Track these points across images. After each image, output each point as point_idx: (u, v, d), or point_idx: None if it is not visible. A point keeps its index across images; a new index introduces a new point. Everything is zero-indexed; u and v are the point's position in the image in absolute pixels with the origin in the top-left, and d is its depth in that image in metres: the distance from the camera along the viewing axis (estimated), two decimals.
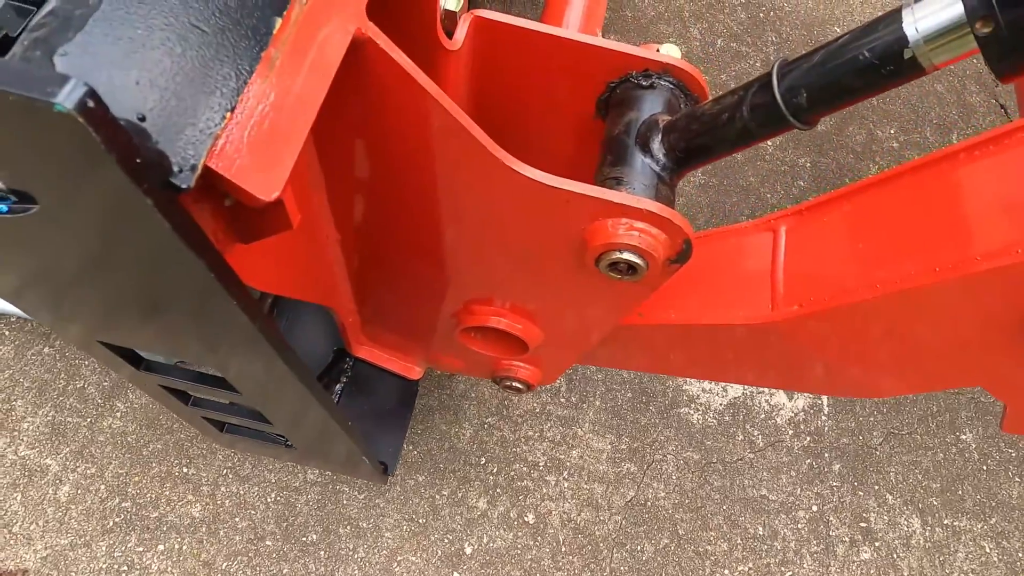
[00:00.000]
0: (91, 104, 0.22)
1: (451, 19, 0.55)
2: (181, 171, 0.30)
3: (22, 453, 1.06)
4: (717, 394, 1.25)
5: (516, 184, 0.46)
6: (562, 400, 1.21)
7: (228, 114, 0.31)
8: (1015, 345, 0.58)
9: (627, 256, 0.49)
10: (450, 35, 0.59)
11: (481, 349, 0.76)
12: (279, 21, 0.33)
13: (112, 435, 1.09)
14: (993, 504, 1.21)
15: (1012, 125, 0.54)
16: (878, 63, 0.40)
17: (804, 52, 0.47)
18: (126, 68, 0.27)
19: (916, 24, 0.38)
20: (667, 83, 0.56)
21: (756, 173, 1.48)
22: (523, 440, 1.17)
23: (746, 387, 1.26)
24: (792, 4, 1.71)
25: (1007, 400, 0.71)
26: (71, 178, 0.26)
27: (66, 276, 0.38)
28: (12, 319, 1.14)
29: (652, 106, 0.56)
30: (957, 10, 0.35)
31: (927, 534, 1.18)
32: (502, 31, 0.57)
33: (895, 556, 1.16)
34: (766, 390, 1.26)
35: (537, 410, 1.19)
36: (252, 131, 0.31)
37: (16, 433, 1.07)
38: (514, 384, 0.83)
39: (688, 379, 1.25)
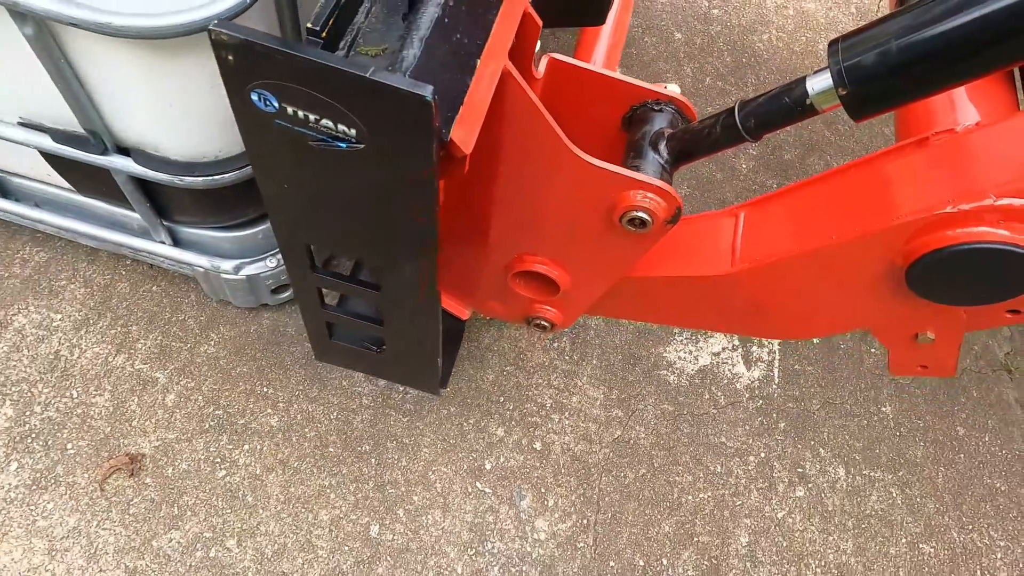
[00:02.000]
0: (434, 98, 0.50)
1: (536, 58, 0.84)
2: (446, 134, 0.58)
3: (137, 367, 1.32)
4: (689, 362, 1.54)
5: (579, 167, 0.75)
6: (566, 358, 1.50)
7: (460, 108, 0.59)
8: (885, 300, 0.88)
9: (640, 215, 0.78)
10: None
11: (523, 291, 1.05)
12: (478, 60, 0.61)
13: (207, 358, 1.35)
14: (902, 461, 1.52)
15: (893, 147, 0.84)
16: (793, 105, 0.70)
17: (755, 95, 0.77)
18: (430, 83, 0.55)
19: (811, 86, 0.68)
20: (670, 109, 0.86)
21: (732, 190, 1.79)
22: (534, 386, 1.45)
23: (713, 357, 1.56)
24: (769, 53, 2.04)
25: (888, 345, 1.01)
26: (399, 133, 0.54)
27: (338, 191, 0.65)
28: (127, 262, 1.40)
29: (660, 123, 0.85)
30: (829, 81, 0.65)
31: (849, 480, 1.48)
32: (565, 67, 0.86)
33: (823, 495, 1.45)
34: (730, 360, 1.56)
35: (546, 364, 1.48)
36: (461, 116, 0.60)
37: (133, 351, 1.33)
38: (542, 323, 1.11)
39: (667, 346, 1.54)
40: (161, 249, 1.22)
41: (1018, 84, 0.90)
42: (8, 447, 1.22)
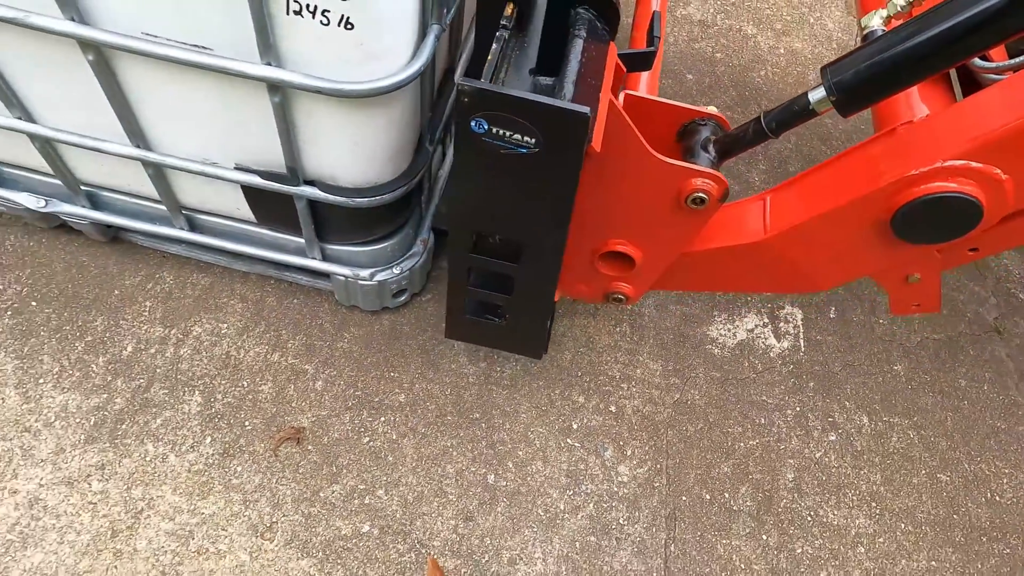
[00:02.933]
0: (591, 114, 0.84)
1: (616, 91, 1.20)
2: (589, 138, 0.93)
3: (290, 361, 1.64)
4: (729, 337, 1.85)
5: (658, 165, 1.09)
6: (627, 339, 1.81)
7: (595, 115, 0.93)
8: (879, 248, 1.20)
9: (701, 194, 1.11)
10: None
11: (606, 271, 1.37)
12: (600, 94, 0.96)
13: (343, 352, 1.68)
14: (915, 409, 1.81)
15: (872, 137, 1.18)
16: (800, 110, 1.05)
17: (773, 107, 1.11)
18: (585, 105, 0.89)
19: (812, 97, 1.03)
20: (712, 123, 1.21)
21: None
22: (604, 362, 1.76)
23: (748, 332, 1.87)
24: (767, 86, 2.43)
25: (887, 287, 1.32)
26: (564, 138, 0.88)
27: (512, 185, 0.99)
28: (287, 284, 1.74)
29: (705, 133, 1.20)
30: (823, 93, 1.00)
31: (872, 426, 1.77)
32: (636, 99, 1.22)
33: (851, 439, 1.74)
34: (763, 335, 1.87)
35: (611, 344, 1.80)
36: (594, 128, 0.94)
37: (285, 350, 1.66)
38: (619, 296, 1.43)
39: (709, 326, 1.86)
40: (314, 263, 1.57)
41: (956, 86, 1.25)
42: (202, 425, 1.53)
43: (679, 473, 1.63)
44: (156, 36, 1.08)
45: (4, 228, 1.72)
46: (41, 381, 1.54)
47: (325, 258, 1.58)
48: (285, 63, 1.08)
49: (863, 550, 1.60)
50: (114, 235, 1.71)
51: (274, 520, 1.45)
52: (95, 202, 1.57)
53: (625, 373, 1.76)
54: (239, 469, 1.50)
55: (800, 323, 1.92)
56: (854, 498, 1.67)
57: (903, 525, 1.64)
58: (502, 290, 1.27)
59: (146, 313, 1.66)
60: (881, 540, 1.62)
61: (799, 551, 1.58)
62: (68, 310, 1.64)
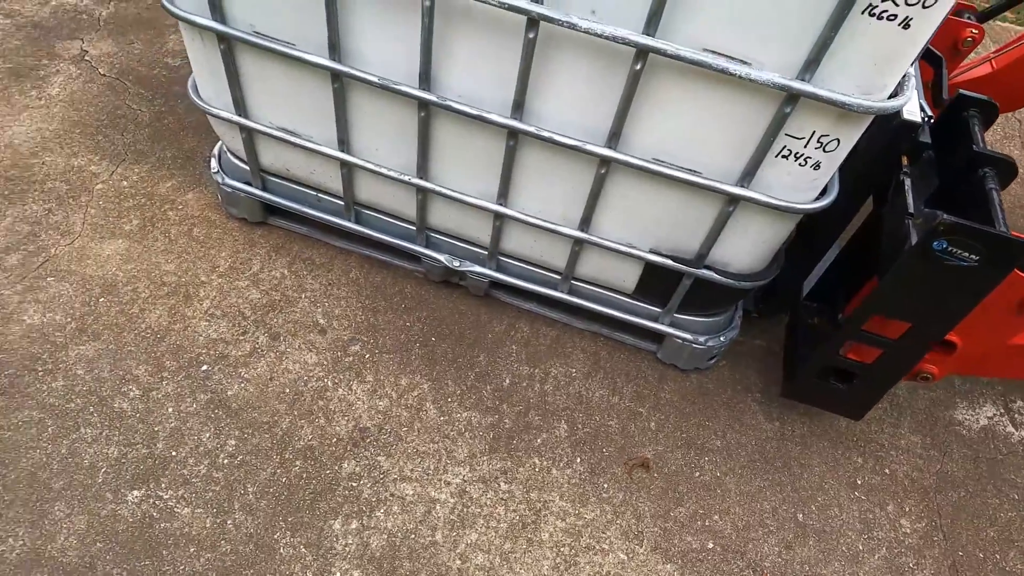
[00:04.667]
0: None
1: None
2: None
3: (627, 404, 2.04)
4: (973, 421, 2.18)
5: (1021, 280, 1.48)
6: (889, 414, 2.15)
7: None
8: None
9: None
10: None
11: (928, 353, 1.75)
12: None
13: (666, 401, 2.06)
14: None
15: None
16: None
17: None
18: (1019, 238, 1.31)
19: None
20: None
21: None
22: (872, 432, 2.10)
23: (988, 419, 2.18)
24: None
25: None
26: (1005, 258, 1.29)
27: (943, 286, 1.40)
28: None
29: None
30: None
31: None
32: None
33: None
34: (1001, 422, 2.18)
35: (876, 417, 2.14)
36: None
37: (622, 395, 2.06)
38: (927, 375, 1.79)
39: (954, 411, 2.18)
40: (664, 328, 1.99)
41: None
42: (572, 448, 1.92)
43: (952, 531, 1.93)
44: (662, 160, 1.55)
45: (403, 279, 2.20)
46: (449, 400, 1.97)
47: (672, 324, 2.00)
48: (754, 185, 1.53)
49: None
50: (486, 292, 2.17)
51: (640, 530, 1.81)
52: (499, 266, 2.04)
53: (892, 443, 2.10)
54: (605, 486, 1.87)
55: None
56: None
57: None
58: (857, 365, 1.66)
59: (514, 354, 2.09)
60: None
61: None
62: (459, 346, 2.08)
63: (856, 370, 1.69)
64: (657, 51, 1.32)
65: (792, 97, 1.34)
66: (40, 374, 1.84)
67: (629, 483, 1.89)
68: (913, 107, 1.55)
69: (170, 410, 1.84)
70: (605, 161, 1.58)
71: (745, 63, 1.32)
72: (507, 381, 2.03)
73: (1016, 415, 2.23)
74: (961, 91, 1.59)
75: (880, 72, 1.28)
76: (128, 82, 2.60)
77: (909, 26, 1.20)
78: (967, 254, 1.32)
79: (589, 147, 1.54)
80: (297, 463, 1.79)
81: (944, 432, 2.15)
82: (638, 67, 1.37)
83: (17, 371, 1.84)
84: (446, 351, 2.07)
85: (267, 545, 1.66)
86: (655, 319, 2.01)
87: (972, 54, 2.32)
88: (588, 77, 1.45)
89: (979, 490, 2.03)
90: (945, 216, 1.28)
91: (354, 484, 1.78)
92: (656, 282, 1.88)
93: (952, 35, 2.19)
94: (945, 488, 2.02)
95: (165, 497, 1.69)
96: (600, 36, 1.32)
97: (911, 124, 1.52)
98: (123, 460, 1.73)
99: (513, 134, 1.60)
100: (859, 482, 2.00)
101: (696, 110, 1.44)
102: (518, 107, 1.53)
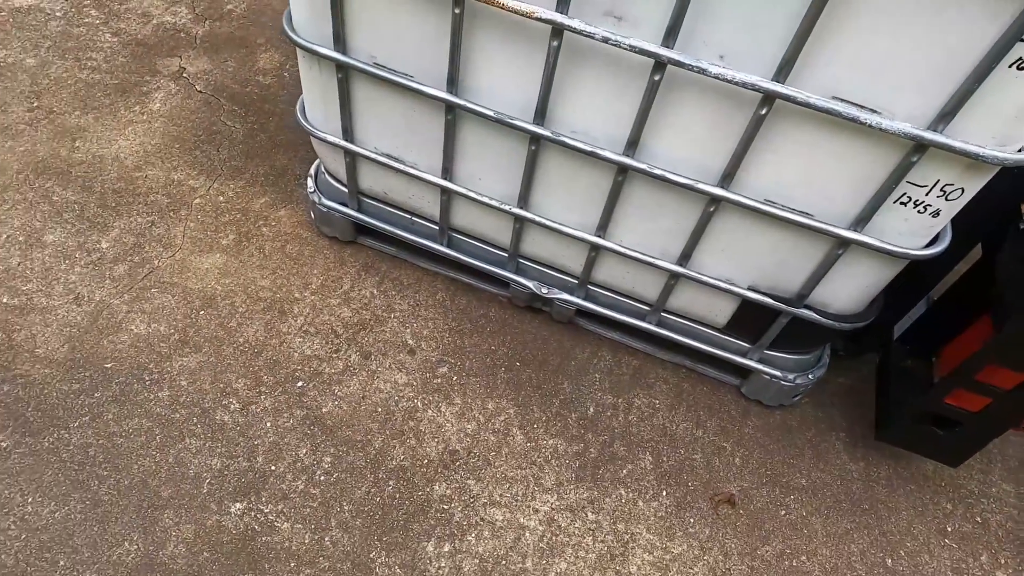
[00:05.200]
0: None
1: None
2: None
3: (711, 438, 2.03)
4: None
5: None
6: (978, 460, 2.11)
7: None
8: None
9: None
10: None
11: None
12: None
13: (749, 437, 2.05)
14: None
15: None
16: None
17: None
18: None
19: None
20: None
21: None
22: (961, 478, 2.06)
23: None
24: None
25: None
26: None
27: None
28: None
29: None
30: None
31: None
32: None
33: None
34: None
35: (966, 463, 2.09)
36: None
37: (706, 428, 2.05)
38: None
39: None
40: (753, 364, 1.98)
41: None
42: (657, 480, 1.93)
43: None
44: (774, 202, 1.55)
45: (487, 303, 2.24)
46: (535, 426, 1.99)
47: (760, 360, 2.00)
48: (867, 230, 1.53)
49: None
50: (570, 319, 2.19)
51: (727, 567, 1.80)
52: (587, 295, 2.06)
53: (982, 490, 2.05)
54: (692, 520, 1.87)
55: None
56: None
57: None
58: (962, 413, 1.64)
59: (597, 383, 2.11)
60: None
61: None
62: (542, 372, 2.10)
63: (961, 418, 1.66)
64: (787, 98, 1.32)
65: (921, 147, 1.34)
66: (148, 383, 1.91)
67: (715, 519, 1.88)
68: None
69: (268, 425, 1.89)
70: (715, 200, 1.59)
71: (875, 112, 1.32)
72: (591, 410, 2.05)
73: None
74: None
75: (1020, 124, 1.27)
76: (223, 99, 2.69)
77: None
78: None
79: (700, 186, 1.56)
80: (390, 483, 1.82)
81: None
82: (763, 112, 1.38)
83: (127, 380, 1.91)
84: (531, 376, 2.09)
85: (364, 564, 1.69)
86: (744, 354, 2.00)
87: None
88: (708, 119, 1.46)
89: None
90: None
91: (445, 507, 1.80)
92: (750, 318, 1.88)
93: None
94: None
95: (266, 511, 1.73)
96: (729, 82, 1.34)
97: None
98: (225, 472, 1.79)
99: (623, 170, 1.62)
100: (949, 529, 1.96)
101: (816, 155, 1.44)
102: (632, 144, 1.55)
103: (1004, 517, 2.00)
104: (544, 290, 2.08)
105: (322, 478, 1.80)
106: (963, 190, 1.41)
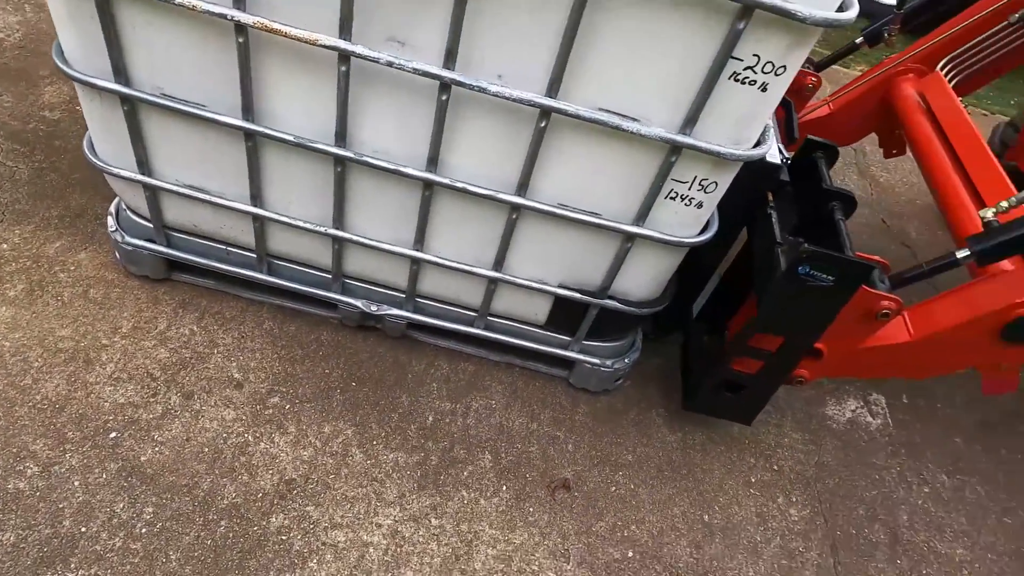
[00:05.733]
0: (875, 267, 1.51)
1: None
2: None
3: (546, 429, 2.15)
4: (839, 415, 2.49)
5: (870, 295, 1.75)
6: (772, 416, 2.42)
7: None
8: (987, 348, 1.88)
9: (887, 311, 1.78)
10: None
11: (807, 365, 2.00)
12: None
13: (580, 423, 2.20)
14: (976, 470, 2.46)
15: (982, 278, 1.90)
16: (949, 263, 1.76)
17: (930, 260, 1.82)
18: (863, 261, 1.57)
19: (958, 254, 1.74)
20: (878, 267, 1.92)
21: None
22: (760, 434, 2.35)
23: (851, 412, 2.51)
24: None
25: (984, 373, 2.00)
26: (854, 278, 1.54)
27: (806, 304, 1.62)
28: None
29: (876, 271, 1.90)
30: (967, 252, 1.72)
31: (951, 482, 2.41)
32: None
33: (939, 491, 2.37)
34: (863, 414, 2.51)
35: (763, 420, 2.39)
36: None
37: (540, 420, 2.17)
38: (800, 379, 2.05)
39: (824, 407, 2.49)
40: (576, 355, 2.13)
41: None
42: (497, 477, 2.01)
43: (831, 514, 2.20)
44: (567, 205, 1.70)
45: (318, 326, 2.21)
46: (375, 443, 2.00)
47: (581, 351, 2.15)
48: (647, 224, 1.72)
49: (967, 573, 2.18)
50: (403, 333, 2.23)
51: (566, 548, 1.92)
52: (416, 308, 2.11)
53: (777, 441, 2.36)
54: (531, 510, 1.97)
55: (885, 405, 2.59)
56: (951, 535, 2.27)
57: (990, 555, 2.24)
58: (744, 376, 1.88)
59: (435, 392, 2.16)
60: (977, 566, 2.21)
61: (924, 573, 2.15)
62: (380, 389, 2.12)
63: (744, 381, 1.91)
64: (559, 111, 1.47)
65: (676, 148, 1.54)
66: None
67: (553, 504, 2.01)
68: (774, 152, 1.81)
69: (76, 484, 1.74)
70: (515, 208, 1.72)
71: (636, 120, 1.50)
72: (430, 419, 2.10)
73: (872, 406, 2.58)
74: (809, 136, 1.88)
75: (746, 126, 1.50)
76: (0, 138, 2.44)
77: (766, 89, 1.43)
78: (825, 276, 1.56)
79: (500, 196, 1.67)
80: (222, 523, 1.75)
81: (819, 427, 2.45)
82: (543, 125, 1.52)
83: None
84: (368, 395, 2.10)
85: None
86: (566, 347, 2.16)
87: (814, 97, 2.70)
88: (497, 133, 1.58)
89: (849, 475, 2.33)
90: (807, 245, 1.52)
91: (284, 538, 1.76)
92: (565, 313, 2.03)
93: (797, 83, 2.54)
94: (823, 477, 2.30)
95: None
96: (508, 99, 1.46)
97: (772, 166, 1.78)
98: (22, 545, 1.62)
99: (428, 185, 1.70)
100: (753, 480, 2.23)
101: (594, 160, 1.61)
102: (432, 161, 1.63)
103: (794, 462, 2.31)
104: (373, 307, 2.10)
105: (143, 530, 1.70)
106: (717, 183, 1.64)
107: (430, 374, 2.21)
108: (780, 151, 1.83)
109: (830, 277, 1.56)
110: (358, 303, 2.10)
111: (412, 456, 2.00)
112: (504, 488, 2.01)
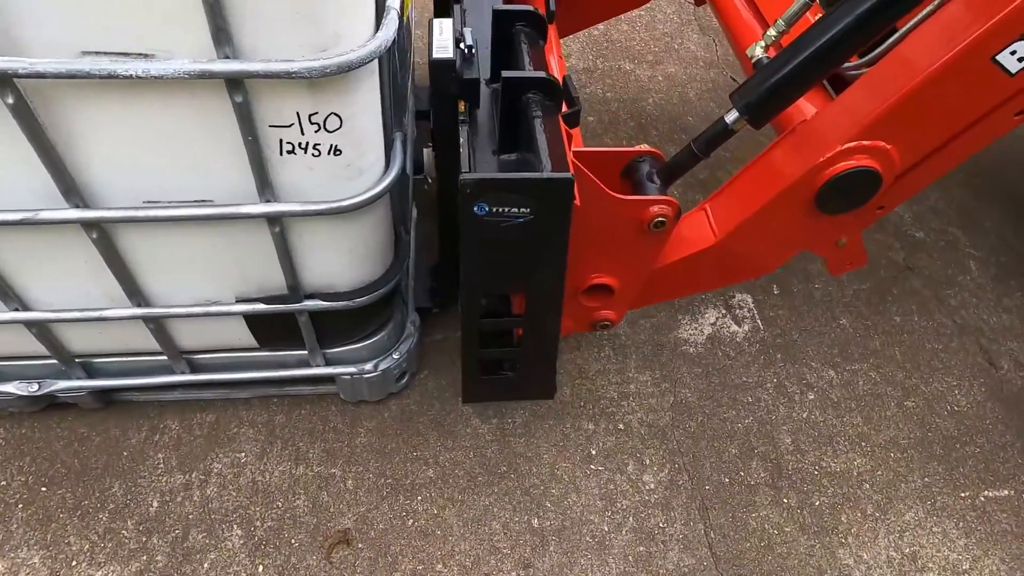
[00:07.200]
0: (573, 178, 1.01)
1: None
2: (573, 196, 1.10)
3: (316, 470, 1.68)
4: (697, 335, 2.05)
5: (620, 203, 1.27)
6: (613, 361, 1.97)
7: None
8: (809, 223, 1.42)
9: (661, 218, 1.30)
10: None
11: (589, 303, 1.53)
12: (568, 157, 1.13)
13: (363, 447, 1.74)
14: (868, 353, 2.05)
15: (779, 139, 1.41)
16: (722, 132, 1.27)
17: (698, 134, 1.33)
18: (565, 172, 1.07)
19: (728, 119, 1.25)
20: (649, 158, 1.42)
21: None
22: (600, 387, 1.91)
23: (711, 326, 2.07)
24: (658, 111, 2.72)
25: (823, 254, 1.55)
26: (554, 201, 1.03)
27: (514, 248, 1.12)
28: None
29: (647, 167, 1.40)
30: (736, 115, 1.22)
31: (839, 376, 1.99)
32: (581, 154, 1.40)
33: (826, 392, 1.96)
34: (725, 324, 2.07)
35: (601, 369, 1.95)
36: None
37: (308, 460, 1.70)
38: (605, 323, 1.59)
39: (678, 330, 2.05)
40: (319, 371, 1.64)
41: (829, 90, 1.52)
42: (250, 556, 1.55)
43: (696, 467, 1.78)
44: (157, 202, 1.17)
45: None
46: (74, 563, 1.51)
47: (328, 362, 1.66)
48: (280, 196, 1.19)
49: (868, 486, 1.79)
50: (109, 399, 1.72)
51: None
52: (90, 371, 1.59)
53: (621, 391, 1.91)
54: None
55: (752, 306, 2.15)
56: (845, 444, 1.87)
57: (892, 454, 1.85)
58: (511, 345, 1.41)
59: (161, 465, 1.67)
60: (879, 473, 1.82)
61: (817, 503, 1.75)
62: (81, 485, 1.62)
63: (508, 356, 1.44)
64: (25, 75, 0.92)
65: (235, 83, 1.00)
66: None
67: (330, 570, 1.55)
68: (443, 42, 1.27)
69: None
70: (92, 224, 1.18)
71: (147, 55, 0.96)
72: (155, 505, 1.61)
73: (736, 310, 2.13)
74: (496, 7, 1.33)
75: (322, 18, 0.96)
76: None
77: None
78: (516, 210, 1.06)
79: (43, 215, 1.13)
80: None
81: (672, 358, 2.00)
82: (10, 101, 0.96)
83: None
84: (64, 499, 1.60)
85: None
86: (307, 364, 1.66)
87: None
88: None
89: (714, 408, 1.90)
90: (464, 176, 1.01)
91: None
92: (271, 328, 1.52)
93: None
94: (682, 420, 1.87)
95: None
96: None
97: (442, 64, 1.24)
98: None
99: None
100: (594, 452, 1.79)
101: (144, 129, 1.07)
102: None
103: (644, 412, 1.88)
104: (34, 387, 1.58)
105: None
106: (339, 116, 1.11)
107: (153, 442, 1.71)
108: (462, 35, 1.28)
109: (524, 210, 1.07)
110: (10, 388, 1.57)
111: (129, 565, 1.52)
112: (261, 569, 1.54)
